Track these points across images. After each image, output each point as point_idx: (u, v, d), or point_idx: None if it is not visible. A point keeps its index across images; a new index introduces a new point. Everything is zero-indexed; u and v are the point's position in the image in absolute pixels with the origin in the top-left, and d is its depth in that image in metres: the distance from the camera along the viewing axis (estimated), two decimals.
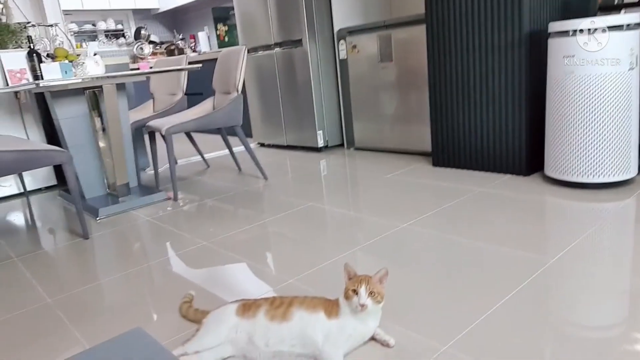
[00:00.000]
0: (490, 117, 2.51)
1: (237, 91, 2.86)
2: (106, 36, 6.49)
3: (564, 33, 2.07)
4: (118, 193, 2.64)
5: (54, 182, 3.33)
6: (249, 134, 4.54)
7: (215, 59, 3.20)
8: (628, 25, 1.97)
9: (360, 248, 1.79)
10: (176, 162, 3.73)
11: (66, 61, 2.85)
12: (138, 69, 4.99)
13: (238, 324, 1.19)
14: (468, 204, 2.14)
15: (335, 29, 3.50)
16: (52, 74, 2.71)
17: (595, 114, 2.06)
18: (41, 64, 2.70)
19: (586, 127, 2.09)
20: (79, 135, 2.66)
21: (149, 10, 6.66)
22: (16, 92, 3.08)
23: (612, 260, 1.50)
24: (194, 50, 6.34)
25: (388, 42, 3.15)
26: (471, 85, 2.54)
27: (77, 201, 2.22)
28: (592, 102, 2.05)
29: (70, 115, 2.61)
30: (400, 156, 3.24)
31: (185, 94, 3.46)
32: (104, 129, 2.64)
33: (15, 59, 3.00)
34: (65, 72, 2.70)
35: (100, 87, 2.47)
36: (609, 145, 2.08)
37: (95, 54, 2.89)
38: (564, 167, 2.20)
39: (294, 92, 3.72)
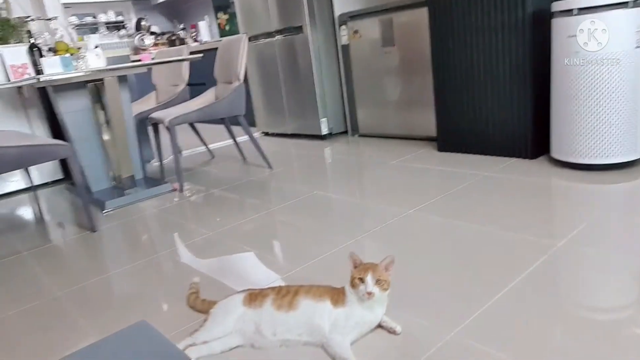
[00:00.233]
0: (495, 99, 2.48)
1: (239, 80, 2.85)
2: (107, 28, 6.46)
3: (568, 12, 2.03)
4: (124, 185, 2.65)
5: (60, 176, 3.34)
6: (252, 123, 4.53)
7: (217, 49, 3.18)
8: (635, 1, 1.93)
9: (366, 235, 1.79)
10: (181, 153, 3.73)
11: (67, 55, 2.84)
12: (139, 60, 4.97)
13: (245, 314, 1.19)
14: (474, 189, 2.13)
15: (336, 14, 3.46)
16: (53, 68, 2.70)
17: (601, 94, 2.03)
18: (42, 58, 2.69)
19: (592, 108, 2.06)
20: (83, 129, 2.66)
21: (148, 0, 6.62)
22: (19, 87, 3.08)
23: (620, 243, 1.49)
24: (196, 40, 6.30)
25: (390, 26, 3.11)
26: (475, 67, 2.51)
27: (82, 195, 2.23)
28: (598, 82, 2.02)
29: (73, 109, 2.61)
30: (405, 142, 3.22)
31: (188, 85, 3.45)
32: (107, 122, 2.64)
33: (16, 54, 3.00)
34: (66, 65, 2.69)
35: (102, 79, 2.46)
36: (616, 125, 2.05)
37: (96, 47, 2.88)
38: (570, 149, 2.17)
39: (296, 79, 3.69)
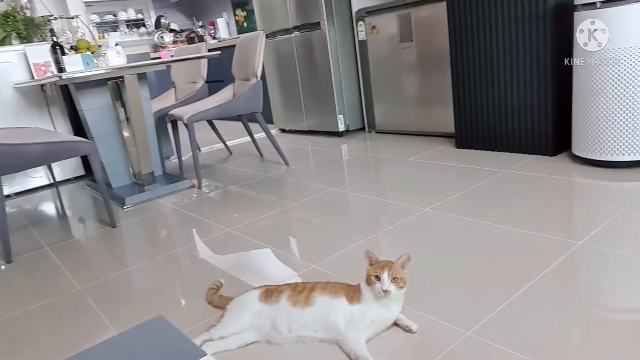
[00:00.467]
0: (515, 95, 2.44)
1: (257, 77, 2.86)
2: (127, 26, 6.55)
3: (591, 5, 1.98)
4: (143, 182, 2.69)
5: (82, 172, 3.41)
6: (269, 120, 4.55)
7: (234, 46, 3.20)
8: None
9: (383, 232, 1.78)
10: (199, 150, 3.77)
11: (88, 52, 2.89)
12: (159, 58, 5.02)
13: (261, 310, 1.20)
14: (493, 187, 2.10)
15: (354, 9, 3.45)
16: (75, 66, 2.75)
17: (624, 89, 1.98)
18: (63, 56, 2.74)
19: (615, 103, 2.01)
20: (104, 126, 2.71)
21: None
22: (42, 85, 3.15)
23: None
24: (214, 37, 6.34)
25: (408, 22, 3.08)
26: (494, 62, 2.47)
27: (103, 191, 2.26)
28: (621, 75, 1.97)
29: (94, 106, 2.66)
30: (422, 138, 3.19)
31: (206, 82, 3.47)
32: (127, 119, 2.68)
33: (40, 52, 3.06)
34: (87, 63, 2.73)
35: (122, 77, 2.50)
36: None
37: (116, 44, 2.92)
38: (592, 146, 2.13)
39: (313, 76, 3.69)
